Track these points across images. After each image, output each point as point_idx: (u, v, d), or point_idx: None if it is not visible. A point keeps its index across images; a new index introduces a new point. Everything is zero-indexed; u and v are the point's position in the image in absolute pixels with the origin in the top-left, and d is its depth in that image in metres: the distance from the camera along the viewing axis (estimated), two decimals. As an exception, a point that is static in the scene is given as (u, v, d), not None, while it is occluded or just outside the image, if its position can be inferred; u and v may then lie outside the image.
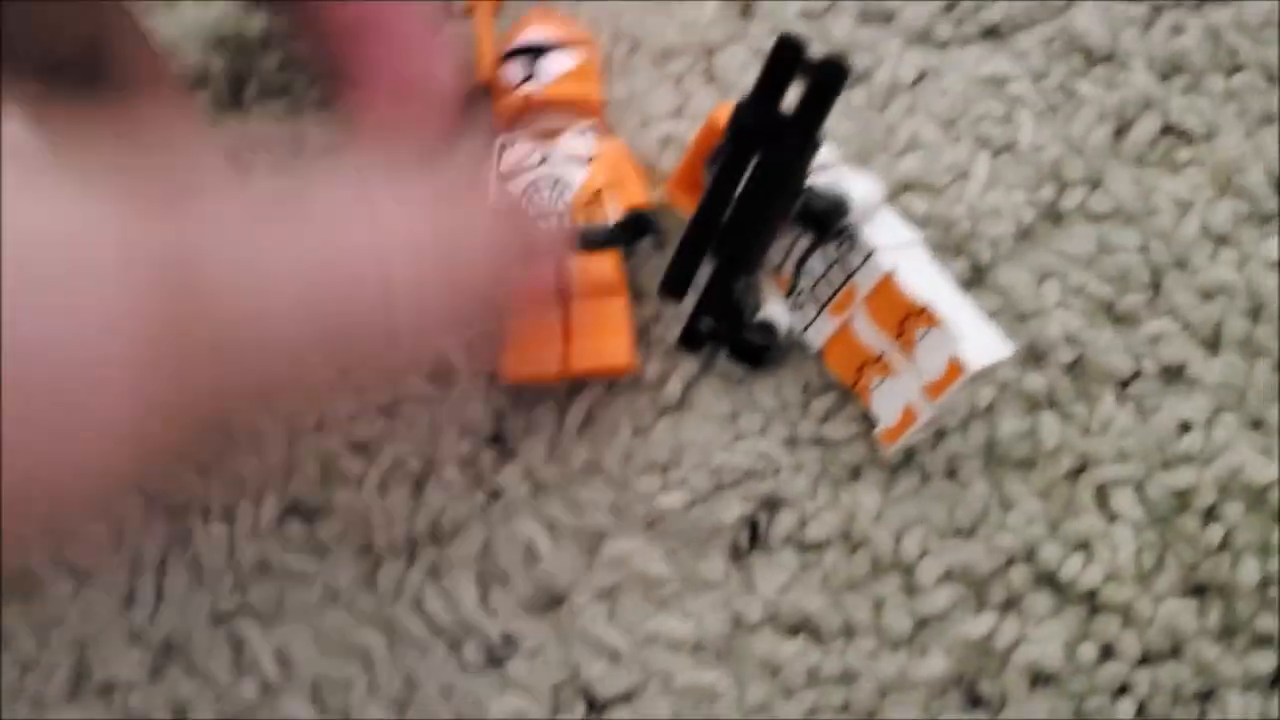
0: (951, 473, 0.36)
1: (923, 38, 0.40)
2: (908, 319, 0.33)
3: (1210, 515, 0.35)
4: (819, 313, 0.35)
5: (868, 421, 0.35)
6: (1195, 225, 0.37)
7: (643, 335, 0.37)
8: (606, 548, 0.35)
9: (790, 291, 0.36)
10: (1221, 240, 0.38)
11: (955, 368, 0.31)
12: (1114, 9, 0.40)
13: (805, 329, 0.36)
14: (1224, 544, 0.34)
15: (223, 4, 0.41)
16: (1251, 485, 0.35)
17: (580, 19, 0.40)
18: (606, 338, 0.34)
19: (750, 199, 0.32)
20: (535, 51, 0.35)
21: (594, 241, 0.34)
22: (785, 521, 0.35)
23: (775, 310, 0.36)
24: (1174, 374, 0.36)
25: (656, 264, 0.37)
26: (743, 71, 0.40)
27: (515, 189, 0.34)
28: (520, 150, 0.35)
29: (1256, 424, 0.36)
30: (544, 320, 0.34)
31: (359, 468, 0.36)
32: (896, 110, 0.39)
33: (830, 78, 0.30)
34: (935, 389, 0.32)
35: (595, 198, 0.35)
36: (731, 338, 0.35)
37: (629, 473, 0.36)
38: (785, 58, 0.30)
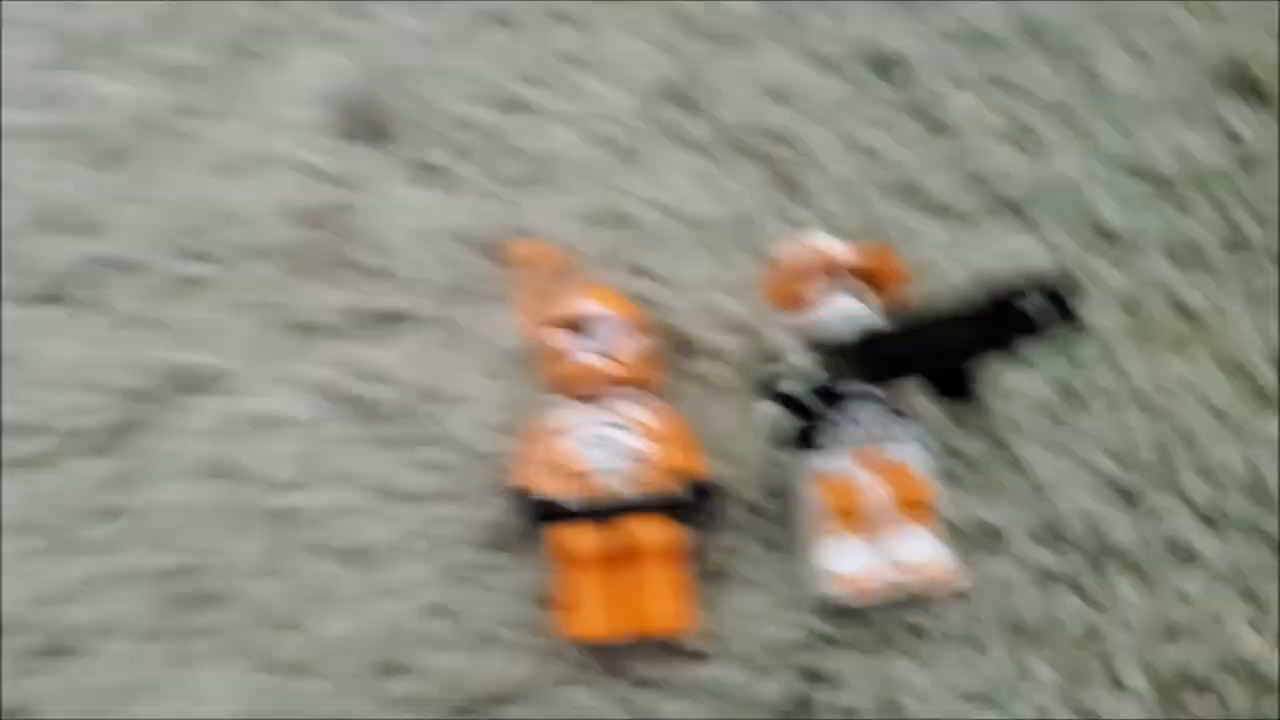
0: (971, 638, 0.39)
1: (945, 211, 0.43)
2: (906, 506, 0.38)
3: (1207, 687, 0.38)
4: (839, 448, 0.38)
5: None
6: (1201, 406, 0.41)
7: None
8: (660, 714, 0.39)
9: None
10: (1223, 418, 0.41)
11: (942, 568, 0.37)
12: (1127, 186, 0.43)
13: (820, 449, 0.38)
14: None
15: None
16: (1246, 659, 0.38)
17: (621, 185, 0.43)
18: (665, 602, 0.37)
19: (990, 339, 0.36)
20: (593, 322, 0.38)
21: (658, 508, 0.37)
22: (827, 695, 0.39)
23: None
24: (1178, 549, 0.40)
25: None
26: (778, 244, 0.43)
27: (581, 447, 0.38)
28: (580, 411, 0.38)
29: (1250, 597, 0.39)
30: (604, 581, 0.37)
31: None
32: (921, 283, 0.42)
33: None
34: (913, 572, 0.37)
35: (660, 465, 0.38)
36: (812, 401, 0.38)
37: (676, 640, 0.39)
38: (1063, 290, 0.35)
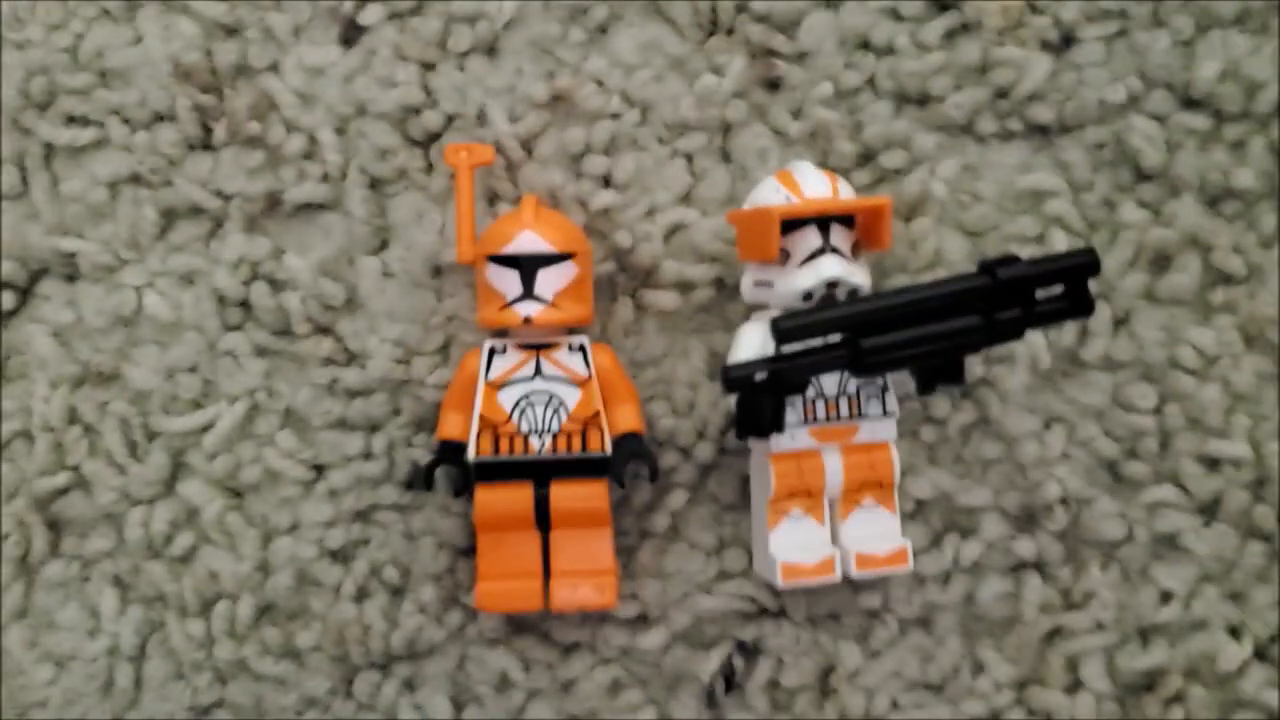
0: (926, 624, 0.36)
1: (964, 130, 0.37)
2: (869, 487, 0.34)
3: (1175, 699, 0.35)
4: (800, 424, 0.33)
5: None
6: (1216, 387, 0.36)
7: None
8: (581, 686, 0.36)
9: None
10: (1239, 400, 0.36)
11: (900, 557, 0.33)
12: (1174, 119, 0.36)
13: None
14: (1184, 727, 0.35)
15: (190, 29, 0.36)
16: (1220, 672, 0.35)
17: (584, 68, 0.36)
18: (589, 576, 0.33)
19: (994, 333, 0.30)
20: (529, 261, 0.32)
21: (584, 469, 0.33)
22: (763, 669, 0.36)
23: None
24: (1165, 542, 0.36)
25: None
26: (761, 156, 0.36)
27: (507, 399, 0.32)
28: (511, 359, 0.33)
29: (1236, 597, 0.36)
30: (523, 549, 0.33)
31: (335, 576, 0.36)
32: (923, 222, 0.36)
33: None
34: (868, 562, 0.33)
35: (592, 421, 0.33)
36: (766, 400, 0.32)
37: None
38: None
